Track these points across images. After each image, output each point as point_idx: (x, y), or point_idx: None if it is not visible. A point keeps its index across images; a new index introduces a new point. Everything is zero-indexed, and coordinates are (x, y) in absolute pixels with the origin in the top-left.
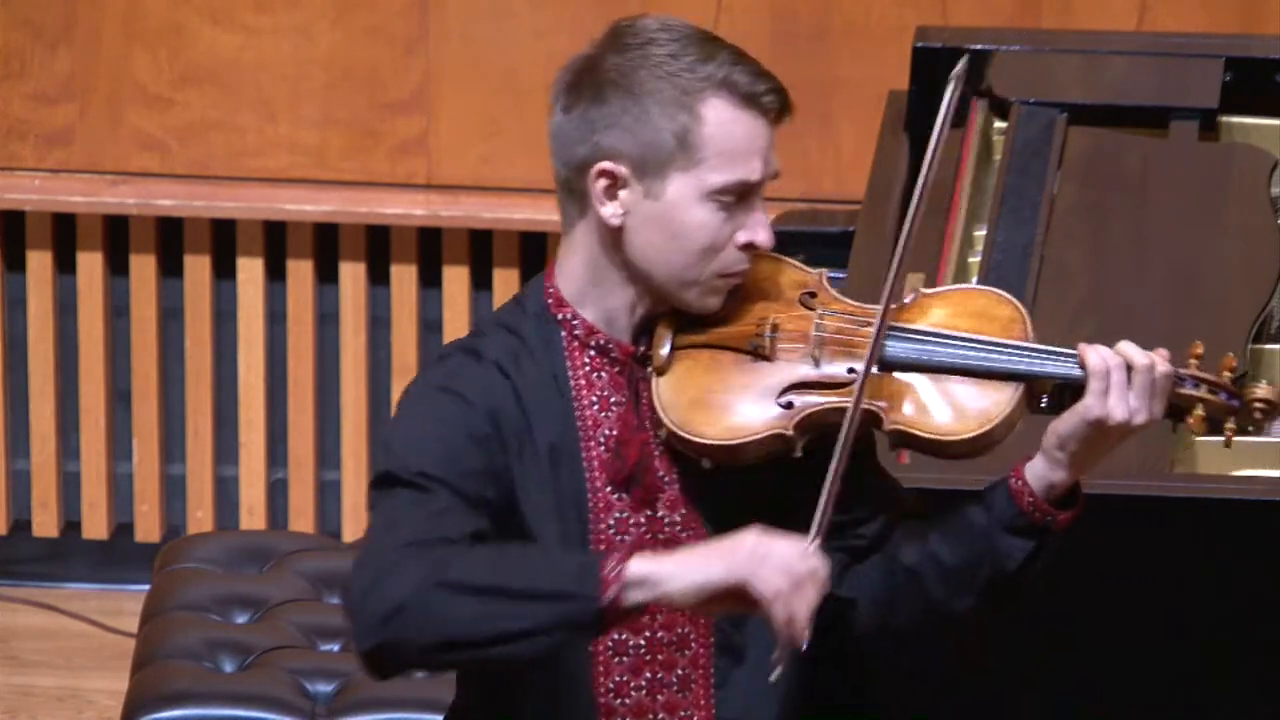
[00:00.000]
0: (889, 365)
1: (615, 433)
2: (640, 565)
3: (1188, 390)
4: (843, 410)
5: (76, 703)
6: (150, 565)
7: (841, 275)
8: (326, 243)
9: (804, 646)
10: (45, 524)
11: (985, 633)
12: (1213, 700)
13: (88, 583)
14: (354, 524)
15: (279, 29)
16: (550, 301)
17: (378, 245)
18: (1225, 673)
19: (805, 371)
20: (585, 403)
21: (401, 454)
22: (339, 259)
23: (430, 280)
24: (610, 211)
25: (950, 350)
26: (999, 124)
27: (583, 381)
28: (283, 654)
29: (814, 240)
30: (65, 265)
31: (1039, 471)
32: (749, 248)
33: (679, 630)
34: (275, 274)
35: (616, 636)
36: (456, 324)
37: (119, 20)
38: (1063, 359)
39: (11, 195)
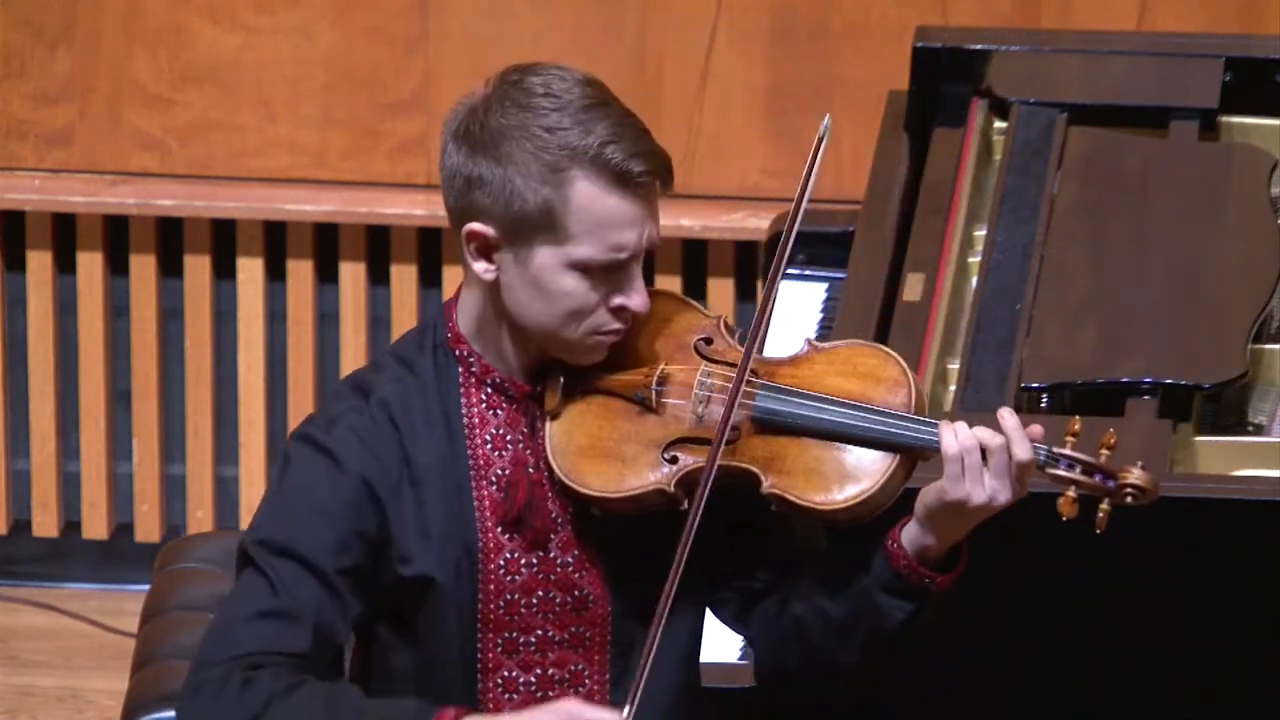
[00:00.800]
0: (767, 427)
1: (508, 472)
2: None
3: (1061, 471)
4: (737, 469)
5: (76, 703)
6: (150, 565)
7: (844, 274)
8: (326, 243)
9: None
10: (45, 524)
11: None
12: (1213, 699)
13: (88, 583)
14: None
15: (279, 29)
16: (450, 336)
17: (378, 245)
18: (1226, 672)
19: (690, 427)
20: (478, 441)
21: (264, 525)
22: (339, 259)
23: (430, 280)
24: (482, 268)
25: (828, 415)
26: (999, 124)
27: (476, 419)
28: None
29: (814, 240)
30: (65, 265)
31: (912, 535)
32: (620, 311)
33: (572, 667)
34: (275, 274)
35: (506, 674)
36: None
37: (119, 20)
38: (935, 430)
39: (11, 195)
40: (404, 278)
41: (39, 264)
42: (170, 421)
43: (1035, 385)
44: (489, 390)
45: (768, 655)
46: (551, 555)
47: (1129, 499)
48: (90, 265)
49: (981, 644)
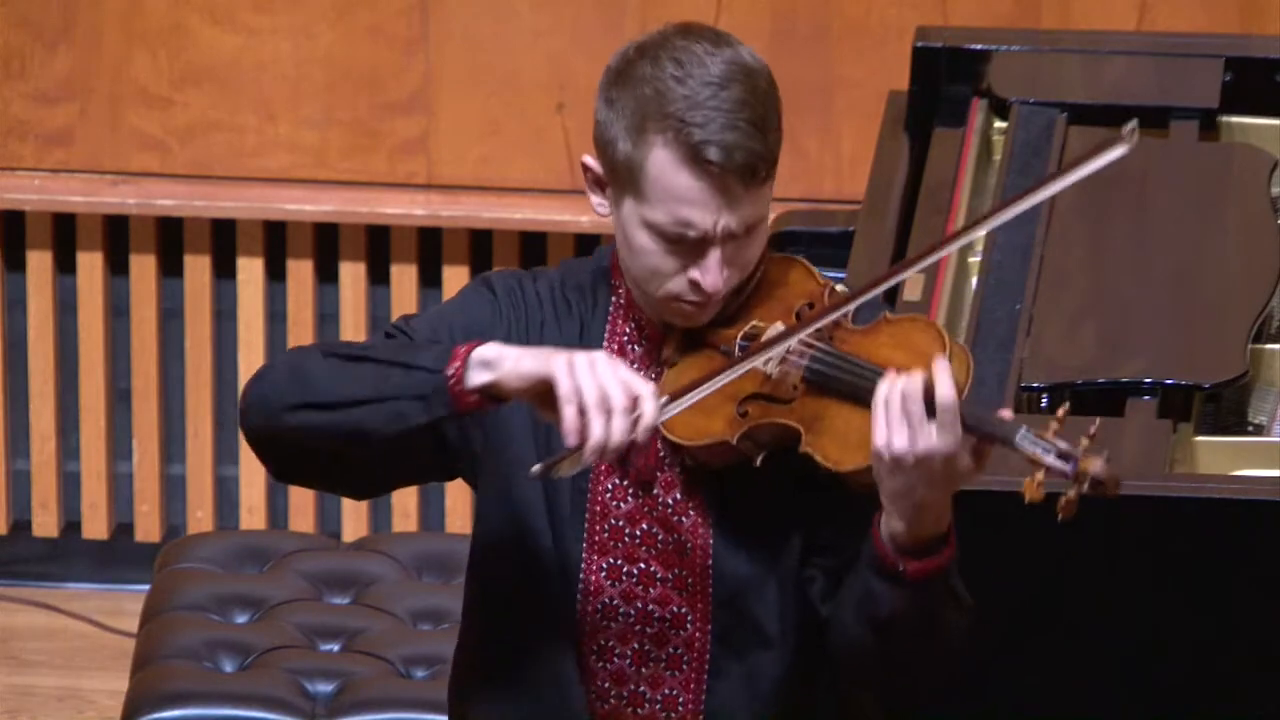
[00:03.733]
0: (817, 389)
1: None
2: (489, 349)
3: (1036, 453)
4: (785, 427)
5: (76, 703)
6: (150, 565)
7: (844, 274)
8: (326, 243)
9: (584, 467)
10: (45, 524)
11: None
12: (1213, 700)
13: (88, 583)
14: (354, 524)
15: (279, 29)
16: (611, 266)
17: (378, 245)
18: (1226, 673)
19: (759, 383)
20: None
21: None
22: (339, 259)
23: (430, 280)
24: (596, 201)
25: (857, 381)
26: (999, 124)
27: (614, 348)
28: (283, 654)
29: (814, 240)
30: (65, 265)
31: (882, 519)
32: (696, 286)
33: (674, 609)
34: (275, 274)
35: (608, 600)
36: None
37: (119, 20)
38: None
39: (11, 195)
40: (404, 278)
41: (39, 264)
42: (170, 421)
43: (1035, 385)
44: (631, 327)
45: (837, 640)
46: (656, 494)
47: (1087, 488)
48: (90, 265)
49: (980, 644)
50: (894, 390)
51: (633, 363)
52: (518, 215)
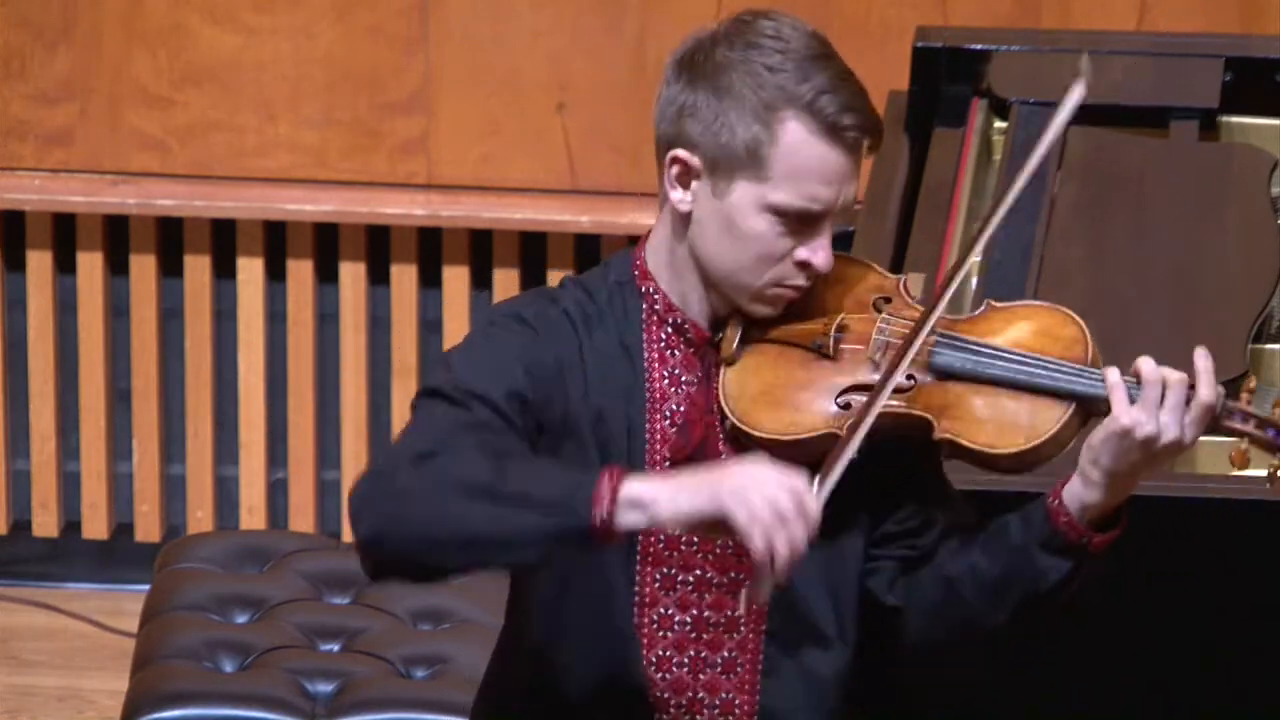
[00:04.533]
0: (944, 375)
1: (683, 409)
2: (634, 487)
3: (1236, 424)
4: (898, 415)
5: (76, 703)
6: (150, 565)
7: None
8: (326, 243)
9: (781, 585)
10: (45, 524)
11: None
12: (1212, 700)
13: (88, 583)
14: None
15: (279, 29)
16: (636, 273)
17: (378, 245)
18: (1225, 673)
19: (866, 374)
20: (656, 375)
21: (453, 370)
22: (339, 259)
23: (430, 280)
24: (679, 197)
25: (1004, 365)
26: (999, 124)
27: (655, 355)
28: (283, 654)
29: None
30: (65, 265)
31: (1075, 491)
32: (805, 266)
33: (728, 612)
34: (275, 274)
35: (663, 610)
36: (456, 324)
37: (119, 20)
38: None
39: (11, 195)
40: (404, 278)
41: (39, 264)
42: (170, 421)
43: None
44: (669, 330)
45: (917, 624)
46: None
47: None
48: (90, 265)
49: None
50: (1153, 378)
51: (675, 367)
52: (518, 215)
